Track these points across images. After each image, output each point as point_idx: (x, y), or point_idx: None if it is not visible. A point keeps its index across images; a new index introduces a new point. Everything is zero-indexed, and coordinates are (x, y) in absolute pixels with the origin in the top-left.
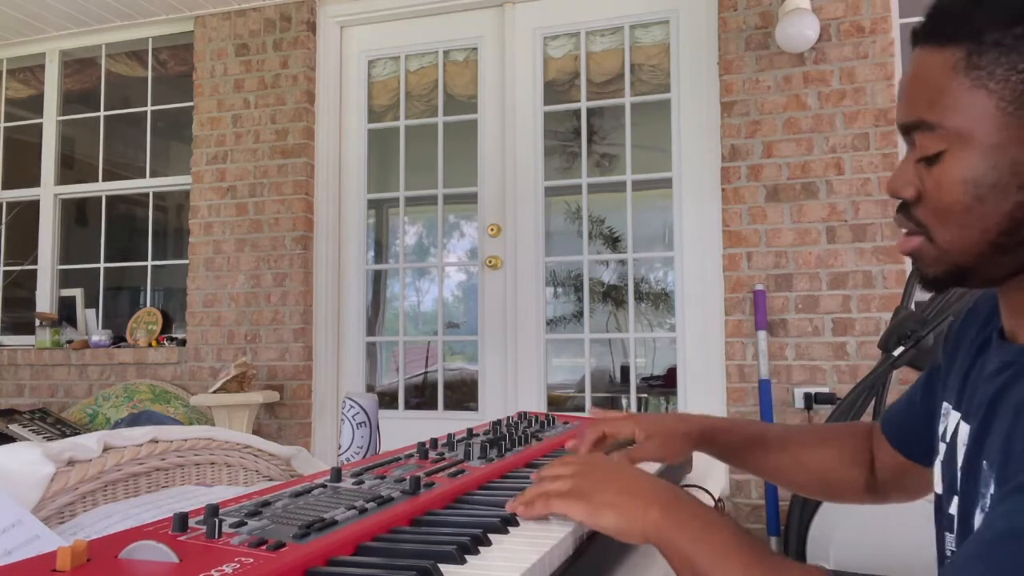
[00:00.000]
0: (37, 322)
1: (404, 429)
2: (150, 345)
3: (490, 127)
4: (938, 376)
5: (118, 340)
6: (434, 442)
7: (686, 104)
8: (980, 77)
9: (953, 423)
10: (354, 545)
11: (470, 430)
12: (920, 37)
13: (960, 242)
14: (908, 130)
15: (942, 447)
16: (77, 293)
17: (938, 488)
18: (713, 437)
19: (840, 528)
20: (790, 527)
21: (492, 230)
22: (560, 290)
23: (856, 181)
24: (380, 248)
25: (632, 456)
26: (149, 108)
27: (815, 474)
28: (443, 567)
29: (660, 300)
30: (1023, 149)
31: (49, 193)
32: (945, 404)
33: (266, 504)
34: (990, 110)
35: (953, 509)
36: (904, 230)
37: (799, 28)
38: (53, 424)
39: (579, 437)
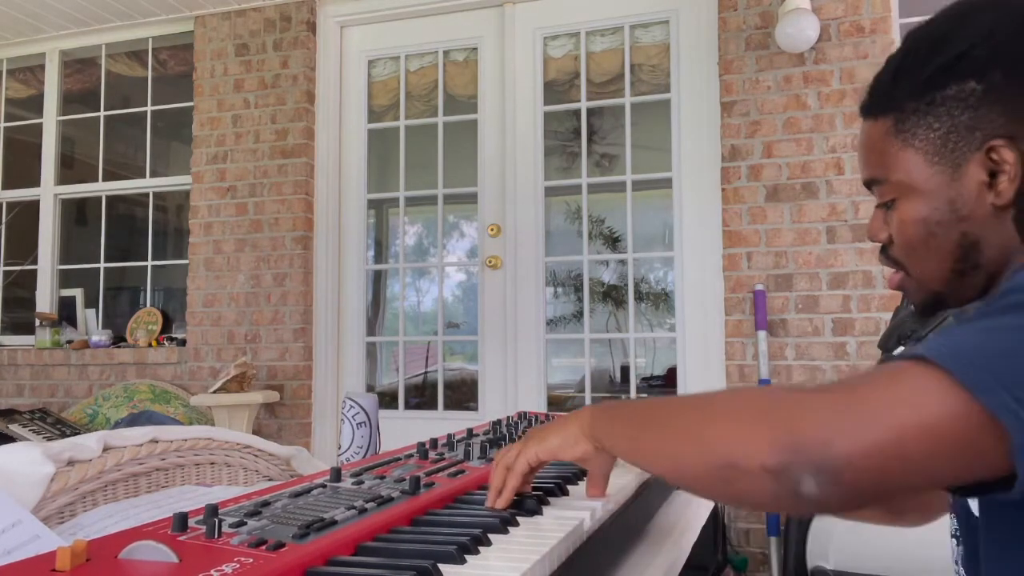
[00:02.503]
0: (37, 322)
1: (404, 429)
2: (150, 345)
3: (490, 127)
4: None
5: (118, 340)
6: (434, 442)
7: (686, 104)
8: (907, 138)
9: None
10: (354, 545)
11: (470, 430)
12: (863, 111)
13: (928, 272)
14: (868, 185)
15: None
16: (77, 293)
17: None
18: None
19: (840, 528)
20: (790, 527)
21: (492, 230)
22: (560, 290)
23: (856, 181)
24: (380, 248)
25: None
26: (149, 108)
27: None
28: (443, 567)
29: (660, 300)
30: (953, 188)
31: (49, 193)
32: None
33: (266, 504)
34: (920, 163)
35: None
36: (890, 268)
37: (799, 28)
38: (53, 424)
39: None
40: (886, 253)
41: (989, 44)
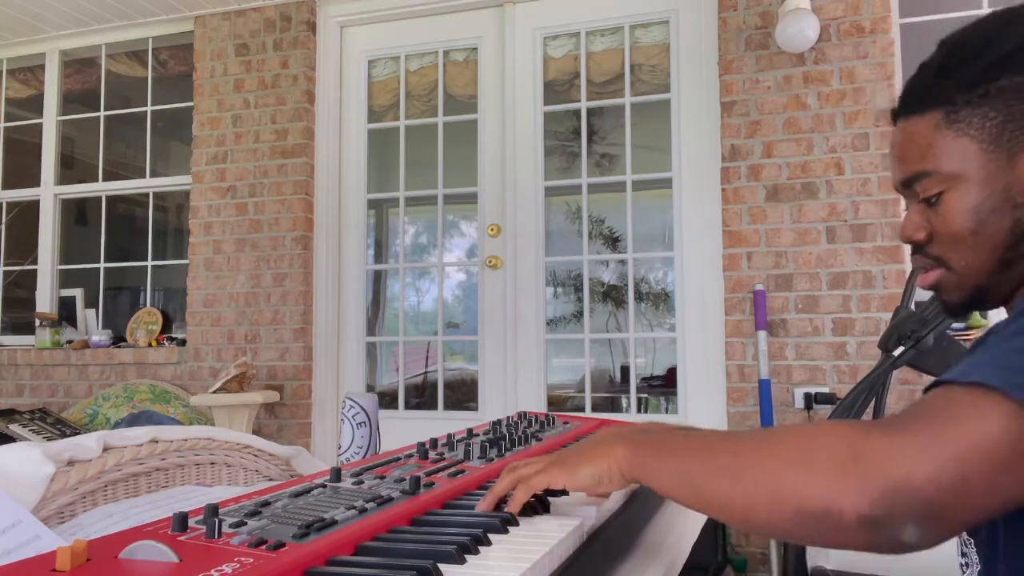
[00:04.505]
0: (37, 322)
1: (404, 429)
2: (150, 345)
3: (490, 127)
4: None
5: (118, 340)
6: (434, 442)
7: (686, 104)
8: (961, 128)
9: None
10: (354, 545)
11: (470, 430)
12: (902, 110)
13: (975, 264)
14: (908, 183)
15: None
16: (77, 293)
17: None
18: None
19: None
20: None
21: (492, 230)
22: (560, 290)
23: (856, 181)
24: (380, 248)
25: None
26: (149, 108)
27: None
28: (443, 567)
29: (660, 300)
30: (1009, 175)
31: (49, 193)
32: None
33: (266, 504)
34: (975, 151)
35: None
36: (923, 268)
37: (799, 28)
38: (53, 424)
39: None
40: (922, 252)
41: None
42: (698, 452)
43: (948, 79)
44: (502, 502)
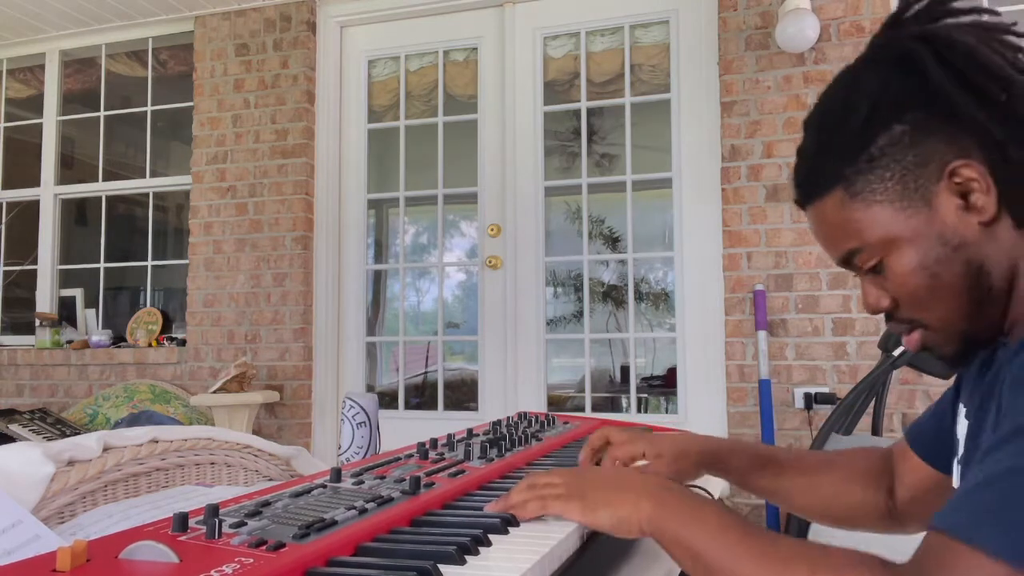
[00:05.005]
0: (37, 322)
1: (404, 429)
2: (150, 345)
3: (490, 127)
4: (963, 383)
5: (118, 340)
6: (434, 442)
7: (686, 104)
8: (866, 197)
9: (963, 424)
10: (354, 545)
11: (470, 430)
12: (803, 201)
13: (949, 316)
14: (846, 262)
15: (960, 448)
16: (77, 293)
17: (956, 485)
18: (723, 458)
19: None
20: (790, 527)
21: (492, 230)
22: (560, 290)
23: None
24: (380, 248)
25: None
26: (149, 108)
27: (830, 497)
28: (443, 567)
29: (660, 300)
30: (936, 222)
31: (49, 193)
32: (960, 406)
33: (266, 504)
34: (891, 214)
35: None
36: (903, 332)
37: (799, 28)
38: (53, 424)
39: (586, 456)
40: (894, 318)
41: (888, 93)
42: (704, 530)
43: (829, 158)
44: None
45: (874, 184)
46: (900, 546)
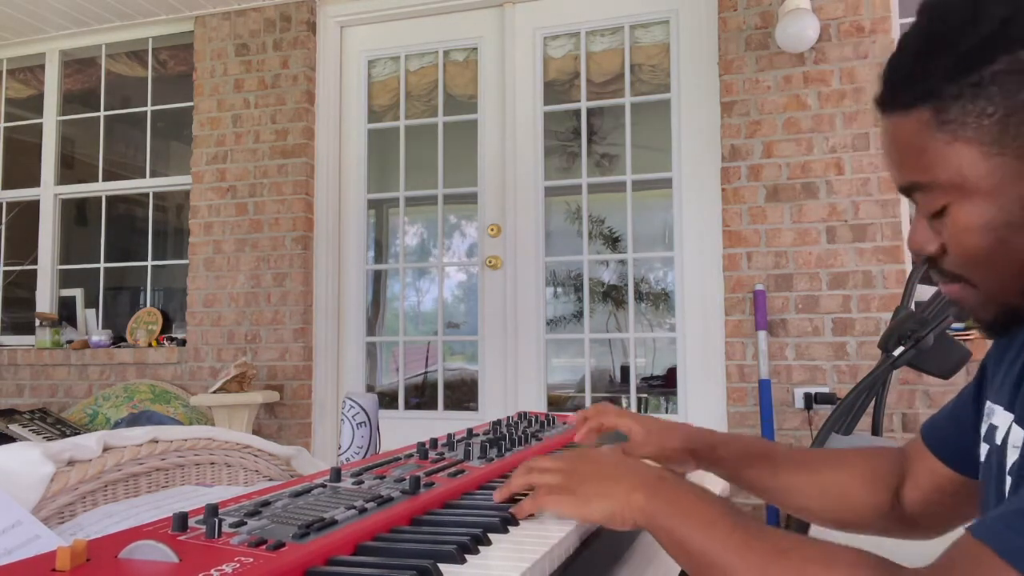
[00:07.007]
0: (37, 322)
1: (404, 429)
2: (150, 345)
3: (490, 127)
4: (985, 378)
5: (118, 340)
6: (434, 442)
7: (686, 104)
8: (954, 130)
9: (1004, 426)
10: (354, 545)
11: (470, 430)
12: (883, 105)
13: (1000, 283)
14: (907, 192)
15: (984, 448)
16: (77, 293)
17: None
18: (716, 449)
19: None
20: (790, 527)
21: (492, 230)
22: (560, 290)
23: (856, 181)
24: (380, 248)
25: (625, 451)
26: (149, 108)
27: (831, 497)
28: (443, 567)
29: (660, 300)
30: (1022, 182)
31: (49, 193)
32: (990, 404)
33: (266, 504)
34: (975, 158)
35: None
36: (943, 281)
37: (799, 28)
38: (53, 424)
39: (578, 424)
40: (936, 266)
41: None
42: (697, 522)
43: (930, 65)
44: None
45: (969, 117)
46: (898, 549)
